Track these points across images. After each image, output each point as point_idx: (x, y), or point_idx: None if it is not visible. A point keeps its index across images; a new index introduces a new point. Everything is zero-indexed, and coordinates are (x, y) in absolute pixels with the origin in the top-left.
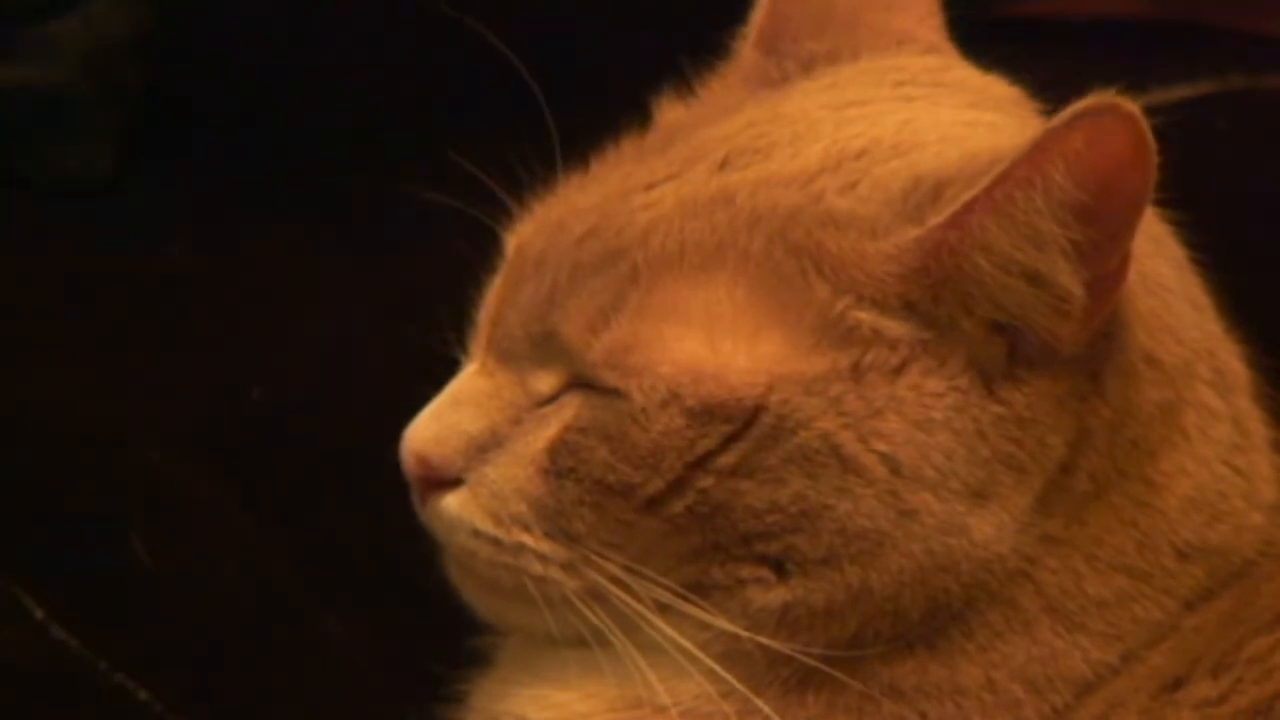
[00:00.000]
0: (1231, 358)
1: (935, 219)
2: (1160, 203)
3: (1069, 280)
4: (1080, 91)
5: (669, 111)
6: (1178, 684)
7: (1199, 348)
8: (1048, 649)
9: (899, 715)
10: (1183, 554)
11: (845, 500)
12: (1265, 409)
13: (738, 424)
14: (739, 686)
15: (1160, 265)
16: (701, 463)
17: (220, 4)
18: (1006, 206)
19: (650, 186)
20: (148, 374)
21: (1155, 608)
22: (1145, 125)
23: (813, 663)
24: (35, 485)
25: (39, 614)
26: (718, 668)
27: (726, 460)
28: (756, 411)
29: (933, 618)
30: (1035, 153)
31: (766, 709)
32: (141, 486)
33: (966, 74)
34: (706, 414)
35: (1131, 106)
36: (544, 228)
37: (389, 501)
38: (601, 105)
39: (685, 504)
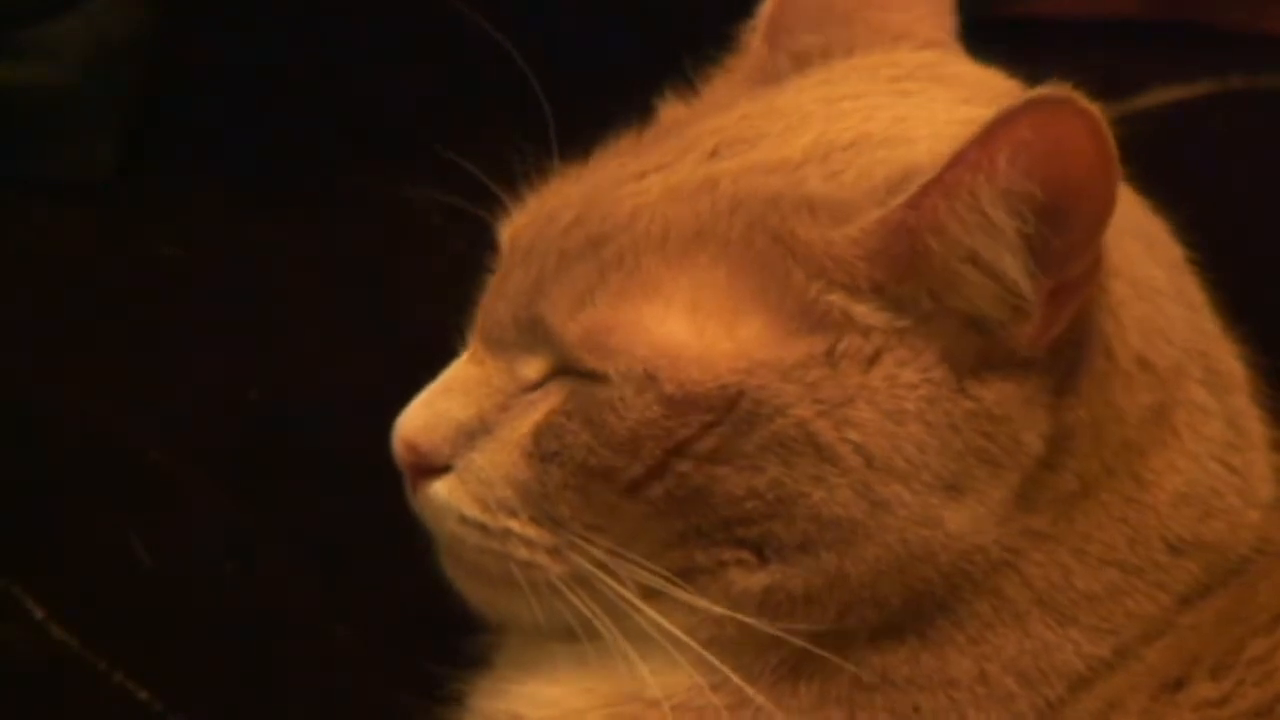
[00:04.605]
0: (1227, 357)
1: (895, 201)
2: (1160, 202)
3: (1019, 275)
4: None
5: (670, 110)
6: (1179, 685)
7: (1191, 348)
8: (1039, 641)
9: (891, 707)
10: (1175, 549)
11: (820, 488)
12: (1265, 409)
13: (717, 411)
14: (730, 674)
15: (1152, 269)
16: (680, 449)
17: (220, 4)
18: (955, 189)
19: (641, 176)
20: (147, 374)
21: (1148, 602)
22: (1103, 124)
23: (799, 642)
24: (35, 485)
25: (39, 614)
26: (705, 653)
27: (705, 445)
28: (736, 398)
29: (917, 606)
30: (983, 137)
31: (760, 698)
32: (141, 486)
33: (963, 69)
34: (685, 400)
35: (1086, 103)
36: (535, 219)
37: (389, 501)
38: (600, 103)
39: (665, 487)
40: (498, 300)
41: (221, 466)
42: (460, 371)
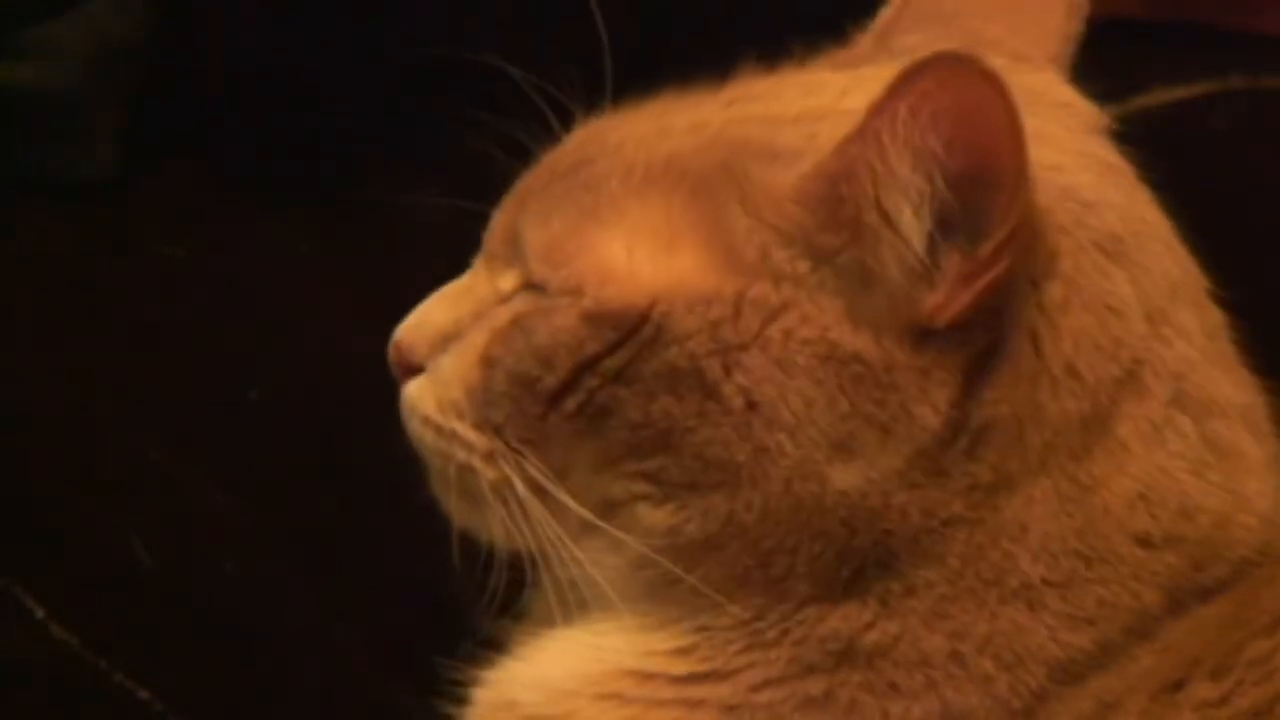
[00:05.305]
0: (1221, 386)
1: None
2: (1159, 202)
3: (920, 236)
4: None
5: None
6: (1178, 686)
7: (1159, 370)
8: (1009, 623)
9: (869, 684)
10: (1146, 543)
11: (705, 426)
12: (1274, 435)
13: (623, 331)
14: (695, 638)
15: (1116, 285)
16: (589, 364)
17: (220, 4)
18: (866, 135)
19: (660, 117)
20: (148, 374)
21: (1124, 592)
22: (1007, 88)
23: (711, 594)
24: (35, 485)
25: (39, 614)
26: (652, 607)
27: (610, 364)
28: (641, 321)
29: (847, 563)
30: (893, 86)
31: (735, 663)
32: (141, 486)
33: (1029, 80)
34: (598, 315)
35: (991, 67)
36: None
37: (389, 501)
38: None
39: (576, 402)
40: (498, 214)
41: (221, 466)
42: (460, 282)
